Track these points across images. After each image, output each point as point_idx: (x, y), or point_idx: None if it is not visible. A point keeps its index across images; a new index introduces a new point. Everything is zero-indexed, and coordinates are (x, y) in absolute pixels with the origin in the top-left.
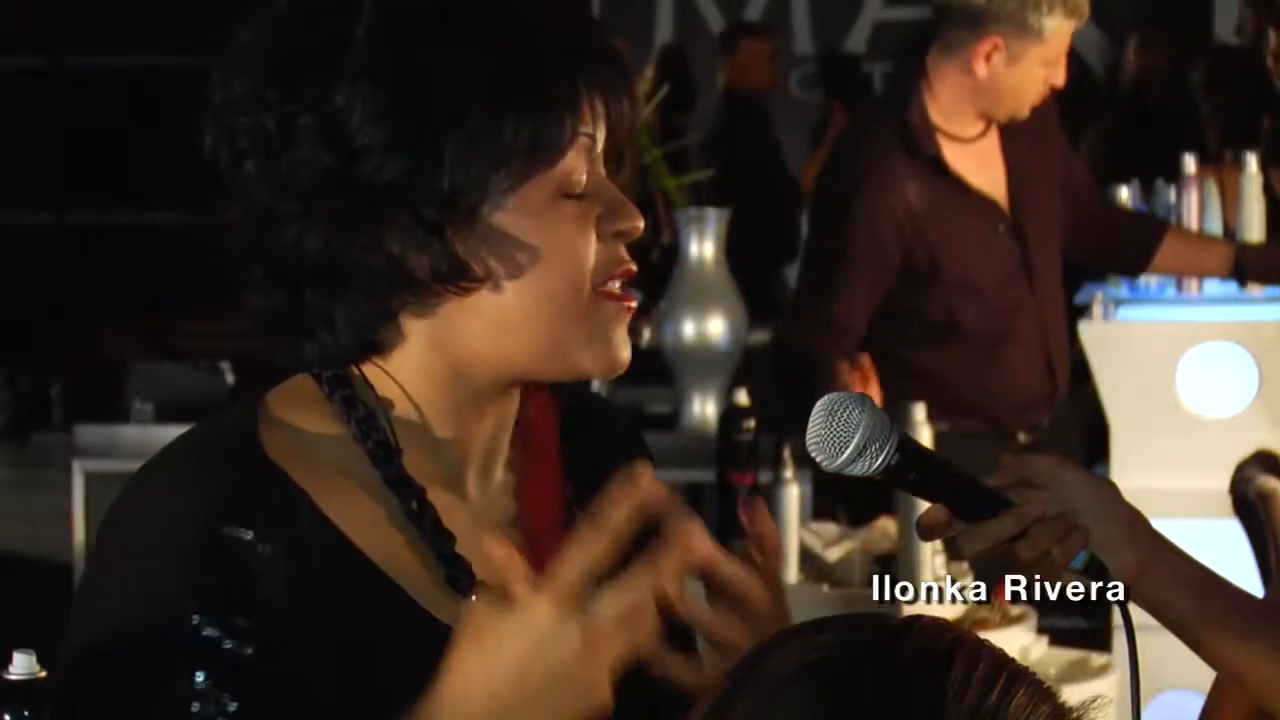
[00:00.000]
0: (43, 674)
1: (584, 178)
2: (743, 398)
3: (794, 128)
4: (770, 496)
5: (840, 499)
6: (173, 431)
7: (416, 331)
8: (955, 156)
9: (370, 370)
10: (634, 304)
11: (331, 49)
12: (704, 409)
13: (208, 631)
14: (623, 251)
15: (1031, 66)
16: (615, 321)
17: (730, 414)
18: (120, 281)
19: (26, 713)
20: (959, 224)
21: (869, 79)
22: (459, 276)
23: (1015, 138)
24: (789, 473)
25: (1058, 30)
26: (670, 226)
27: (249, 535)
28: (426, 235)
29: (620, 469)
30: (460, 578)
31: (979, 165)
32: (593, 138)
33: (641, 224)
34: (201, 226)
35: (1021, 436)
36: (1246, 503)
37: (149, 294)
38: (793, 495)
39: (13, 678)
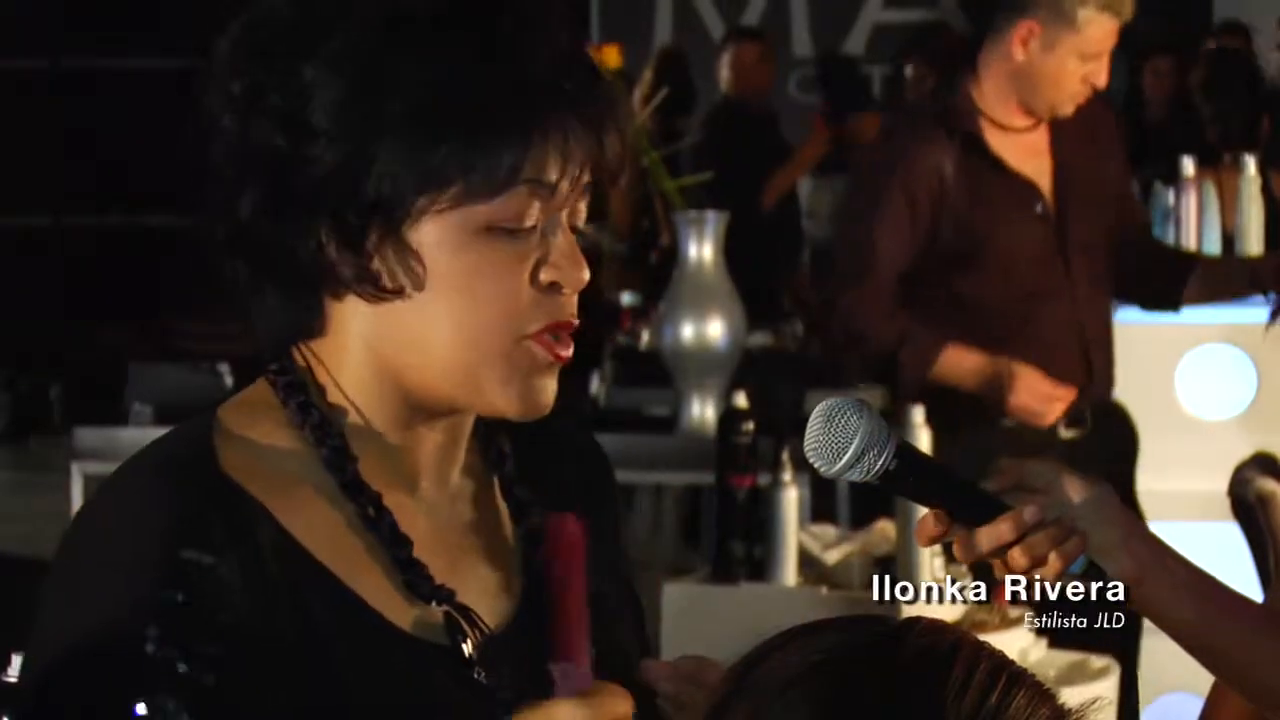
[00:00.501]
0: None
1: (532, 221)
2: (741, 400)
3: (793, 130)
4: (769, 499)
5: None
6: None
7: (351, 330)
8: (998, 141)
9: (324, 377)
10: (566, 356)
11: (313, 30)
12: (703, 411)
13: (167, 656)
14: (565, 304)
15: (1067, 57)
16: (540, 370)
17: (729, 416)
18: (120, 282)
19: None
20: (992, 200)
21: (868, 81)
22: (368, 285)
23: (1068, 138)
24: (788, 475)
25: (1092, 22)
26: (669, 229)
27: (209, 559)
28: (345, 238)
29: (575, 476)
30: (418, 582)
31: (1024, 154)
32: (549, 185)
33: (585, 277)
34: (199, 227)
35: (1063, 431)
36: (1245, 505)
37: (148, 295)
38: (791, 498)
39: (11, 679)
